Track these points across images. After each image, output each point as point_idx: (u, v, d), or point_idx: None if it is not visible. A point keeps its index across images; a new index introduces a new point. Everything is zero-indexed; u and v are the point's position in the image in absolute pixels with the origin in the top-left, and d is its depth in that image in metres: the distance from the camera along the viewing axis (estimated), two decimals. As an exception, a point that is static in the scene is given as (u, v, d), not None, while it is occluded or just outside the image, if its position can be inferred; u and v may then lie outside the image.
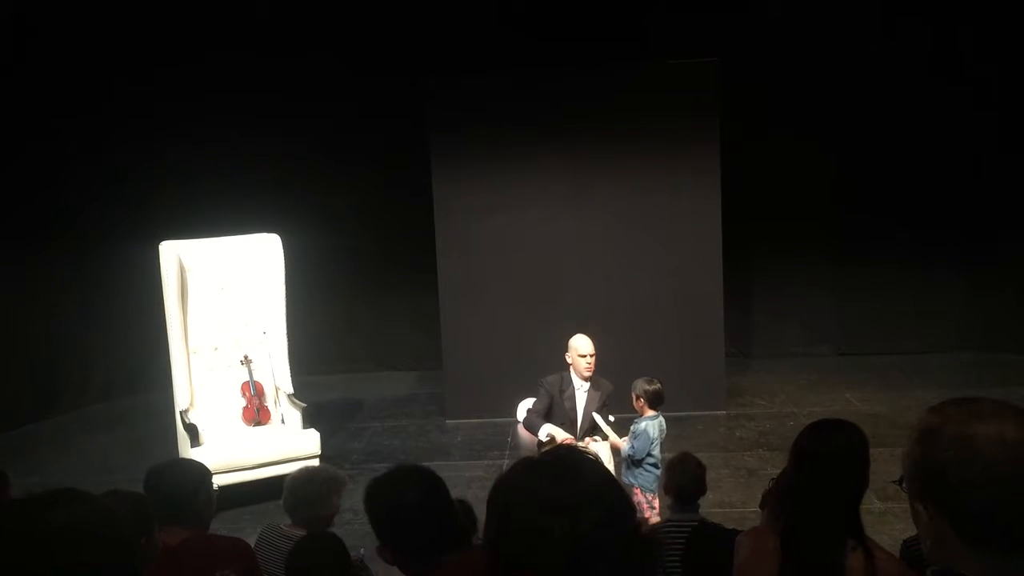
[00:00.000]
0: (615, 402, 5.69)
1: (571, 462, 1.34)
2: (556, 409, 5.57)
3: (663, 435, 5.16)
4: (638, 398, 5.13)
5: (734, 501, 5.93)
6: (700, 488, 3.81)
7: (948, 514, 1.26)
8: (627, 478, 5.06)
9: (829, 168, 9.33)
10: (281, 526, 3.71)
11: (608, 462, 5.10)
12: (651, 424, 5.06)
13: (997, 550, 1.24)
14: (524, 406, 5.93)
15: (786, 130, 9.15)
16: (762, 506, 3.22)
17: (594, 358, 5.57)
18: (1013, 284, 9.44)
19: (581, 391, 5.63)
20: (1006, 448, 1.23)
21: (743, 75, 8.60)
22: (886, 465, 2.69)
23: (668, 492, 3.84)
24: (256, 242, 7.03)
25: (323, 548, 3.04)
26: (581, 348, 5.58)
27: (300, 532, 3.62)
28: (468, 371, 8.08)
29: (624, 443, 5.13)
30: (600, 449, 5.29)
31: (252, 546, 3.31)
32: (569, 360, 5.65)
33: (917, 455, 1.31)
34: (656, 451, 5.12)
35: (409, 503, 2.27)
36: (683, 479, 3.77)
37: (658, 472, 5.16)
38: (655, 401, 5.10)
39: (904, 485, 1.36)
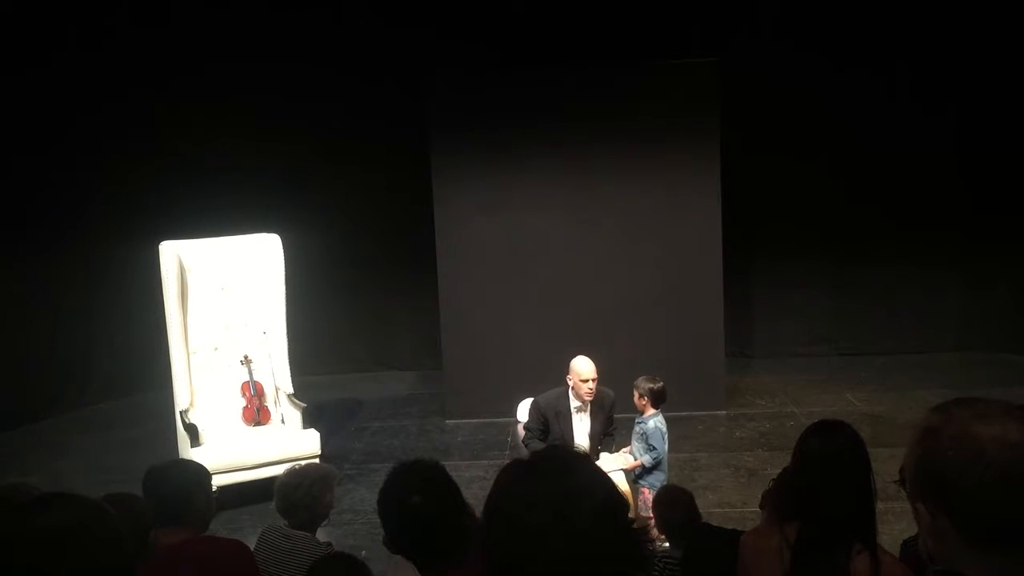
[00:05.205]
0: (618, 405, 5.53)
1: (561, 461, 1.34)
2: (551, 430, 5.31)
3: None
4: (641, 396, 5.10)
5: (734, 501, 5.93)
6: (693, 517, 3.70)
7: (950, 514, 1.25)
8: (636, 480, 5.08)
9: (829, 168, 9.33)
10: (282, 526, 3.71)
11: (619, 471, 5.07)
12: (657, 420, 5.06)
13: (999, 550, 1.23)
14: (524, 406, 5.91)
15: (787, 130, 9.15)
16: (762, 506, 3.21)
17: (595, 381, 5.22)
18: (1013, 284, 9.44)
19: (578, 413, 5.35)
20: (1009, 449, 1.22)
21: (743, 75, 8.60)
22: (886, 465, 2.68)
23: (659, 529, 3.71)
24: (256, 242, 7.03)
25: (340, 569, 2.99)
26: (583, 372, 5.21)
27: (301, 532, 3.62)
28: (468, 371, 8.07)
29: (641, 458, 5.05)
30: (614, 460, 5.21)
31: (252, 548, 3.30)
32: (570, 381, 5.30)
33: (919, 455, 1.31)
34: (666, 448, 5.12)
35: (416, 505, 2.28)
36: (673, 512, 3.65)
37: (666, 471, 5.17)
38: (658, 400, 5.09)
39: (905, 485, 1.36)
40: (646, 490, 5.02)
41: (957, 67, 8.96)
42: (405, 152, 9.03)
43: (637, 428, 5.14)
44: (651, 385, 5.07)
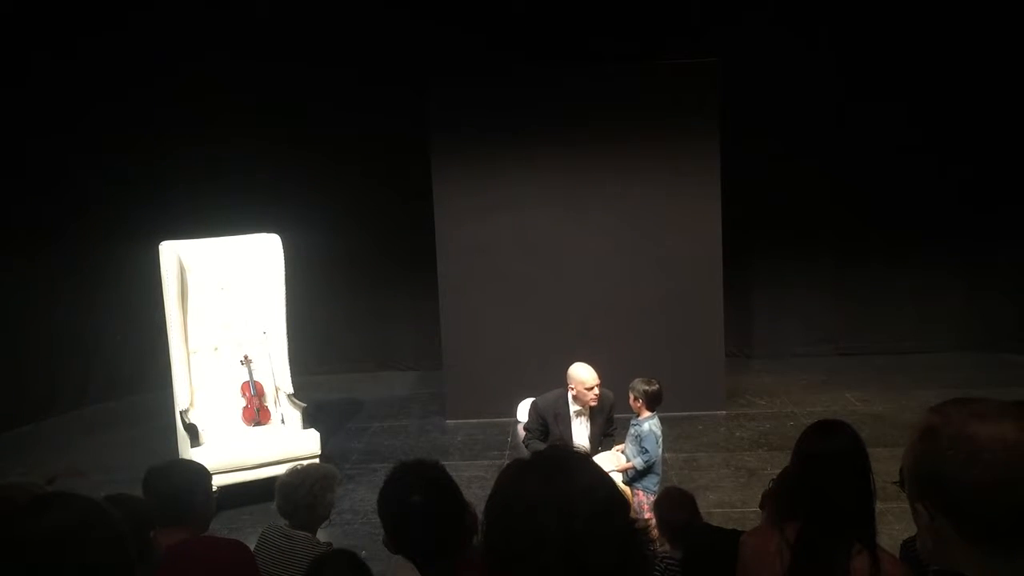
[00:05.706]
0: (617, 405, 5.52)
1: (562, 461, 1.34)
2: (551, 431, 5.30)
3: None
4: (636, 399, 5.09)
5: (734, 501, 5.93)
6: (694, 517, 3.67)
7: (949, 514, 1.26)
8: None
9: (829, 168, 9.33)
10: (283, 526, 3.71)
11: (612, 473, 5.05)
12: (652, 423, 5.05)
13: (998, 550, 1.23)
14: (524, 406, 5.90)
15: (786, 131, 9.15)
16: (762, 506, 3.21)
17: (600, 385, 5.21)
18: (1013, 284, 9.44)
19: (577, 417, 5.32)
20: (1007, 449, 1.22)
21: (744, 75, 8.59)
22: (886, 465, 2.69)
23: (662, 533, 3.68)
24: (256, 242, 7.03)
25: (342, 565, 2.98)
26: (587, 380, 5.20)
27: (302, 533, 3.62)
28: (468, 371, 8.07)
29: (633, 460, 5.04)
30: (607, 459, 5.20)
31: (252, 548, 3.30)
32: (572, 391, 5.26)
33: (918, 455, 1.31)
34: (659, 452, 5.10)
35: (416, 505, 2.29)
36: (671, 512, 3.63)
37: (660, 474, 5.15)
38: (653, 402, 5.07)
39: (904, 485, 1.36)
40: (640, 492, 5.01)
41: (957, 67, 8.95)
42: (405, 152, 9.03)
43: (632, 430, 5.12)
44: (646, 387, 5.05)
